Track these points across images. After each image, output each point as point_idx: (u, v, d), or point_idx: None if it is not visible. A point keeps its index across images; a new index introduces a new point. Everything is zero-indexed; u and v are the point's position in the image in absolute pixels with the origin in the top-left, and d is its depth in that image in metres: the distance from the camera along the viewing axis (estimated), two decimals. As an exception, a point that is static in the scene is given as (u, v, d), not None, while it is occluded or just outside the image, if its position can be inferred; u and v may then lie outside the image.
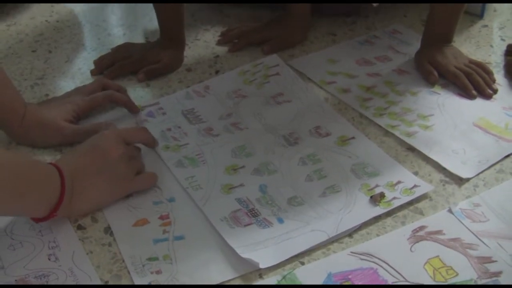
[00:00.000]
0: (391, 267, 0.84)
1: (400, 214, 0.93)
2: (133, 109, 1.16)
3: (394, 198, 0.95)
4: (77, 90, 1.16)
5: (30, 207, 0.85)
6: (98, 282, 0.84)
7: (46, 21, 1.49)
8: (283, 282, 0.83)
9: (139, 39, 1.42)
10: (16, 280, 0.84)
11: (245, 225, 0.91)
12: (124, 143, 0.96)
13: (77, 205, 0.90)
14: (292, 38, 1.37)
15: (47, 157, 1.06)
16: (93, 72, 1.29)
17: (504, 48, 1.33)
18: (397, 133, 1.09)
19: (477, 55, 1.31)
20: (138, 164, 0.99)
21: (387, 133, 1.10)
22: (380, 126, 1.11)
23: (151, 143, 1.05)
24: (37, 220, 0.88)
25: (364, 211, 0.93)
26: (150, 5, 1.37)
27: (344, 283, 0.82)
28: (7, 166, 0.80)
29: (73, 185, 0.89)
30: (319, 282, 0.82)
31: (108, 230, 0.92)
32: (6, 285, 0.82)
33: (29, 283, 0.83)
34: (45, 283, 0.83)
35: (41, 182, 0.85)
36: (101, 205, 0.95)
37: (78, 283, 0.83)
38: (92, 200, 0.93)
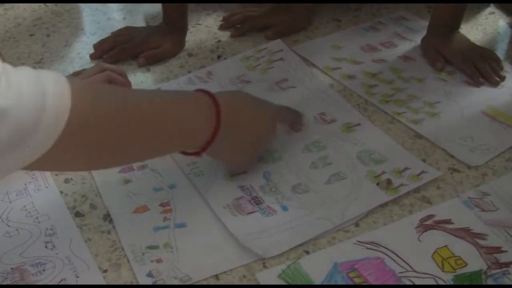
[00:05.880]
0: (398, 256, 0.82)
1: (407, 202, 0.91)
2: None
3: (401, 184, 0.93)
4: (75, 75, 1.14)
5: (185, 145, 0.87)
6: (97, 271, 0.82)
7: (45, 4, 1.47)
8: (288, 272, 0.80)
9: (139, 23, 1.40)
10: (12, 269, 0.82)
11: (248, 213, 0.89)
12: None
13: (218, 153, 0.90)
14: (296, 23, 1.34)
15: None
16: (92, 56, 1.27)
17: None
18: (403, 120, 1.07)
19: (484, 42, 1.29)
20: None
21: (393, 120, 1.07)
22: (386, 113, 1.09)
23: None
24: (186, 153, 0.89)
25: (371, 198, 0.91)
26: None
27: (350, 273, 0.80)
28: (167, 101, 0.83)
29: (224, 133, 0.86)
30: (325, 271, 0.80)
31: (107, 217, 0.90)
32: (8, 285, 0.80)
33: (26, 272, 0.81)
34: (42, 272, 0.81)
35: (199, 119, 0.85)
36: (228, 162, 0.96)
37: (75, 272, 0.81)
38: (227, 155, 0.92)
